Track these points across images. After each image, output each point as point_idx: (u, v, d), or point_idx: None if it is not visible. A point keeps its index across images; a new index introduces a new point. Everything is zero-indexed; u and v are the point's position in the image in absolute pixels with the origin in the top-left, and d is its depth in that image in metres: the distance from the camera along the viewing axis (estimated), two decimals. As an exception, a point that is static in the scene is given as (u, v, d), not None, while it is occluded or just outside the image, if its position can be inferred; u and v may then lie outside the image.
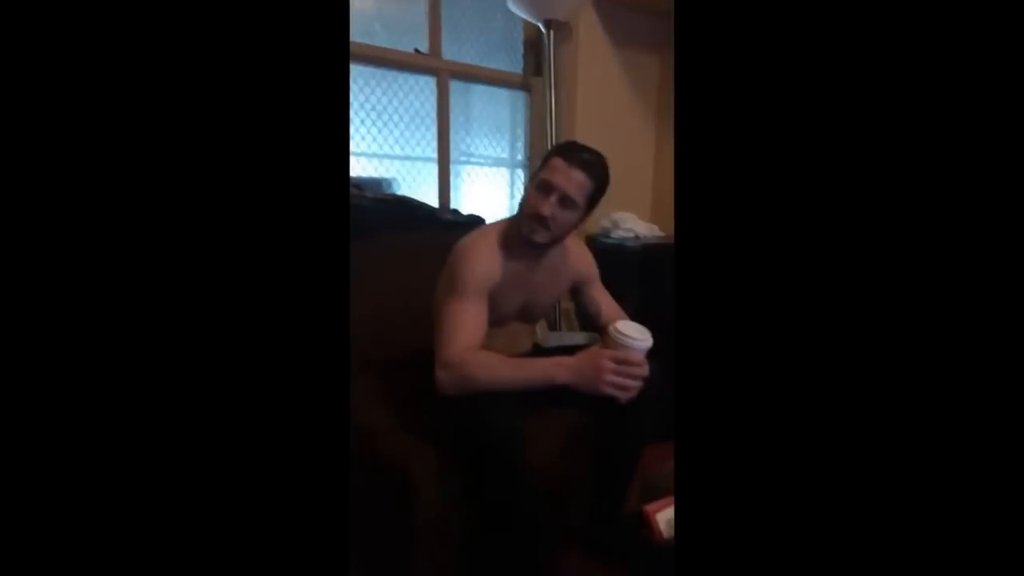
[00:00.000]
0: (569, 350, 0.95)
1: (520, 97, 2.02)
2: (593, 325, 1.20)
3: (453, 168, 1.87)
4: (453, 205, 1.86)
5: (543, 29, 1.80)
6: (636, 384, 0.90)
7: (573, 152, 0.98)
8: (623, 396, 0.89)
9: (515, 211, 1.04)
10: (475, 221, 1.60)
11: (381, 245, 1.37)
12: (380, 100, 1.70)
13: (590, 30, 1.93)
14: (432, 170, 1.84)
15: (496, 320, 1.04)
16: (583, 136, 1.83)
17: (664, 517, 0.85)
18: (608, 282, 1.22)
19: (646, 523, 0.86)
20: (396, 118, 1.74)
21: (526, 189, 1.01)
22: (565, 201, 0.96)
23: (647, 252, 1.73)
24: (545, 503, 1.03)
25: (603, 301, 1.18)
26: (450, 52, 1.80)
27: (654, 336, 0.92)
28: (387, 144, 1.73)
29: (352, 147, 1.65)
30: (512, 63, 1.98)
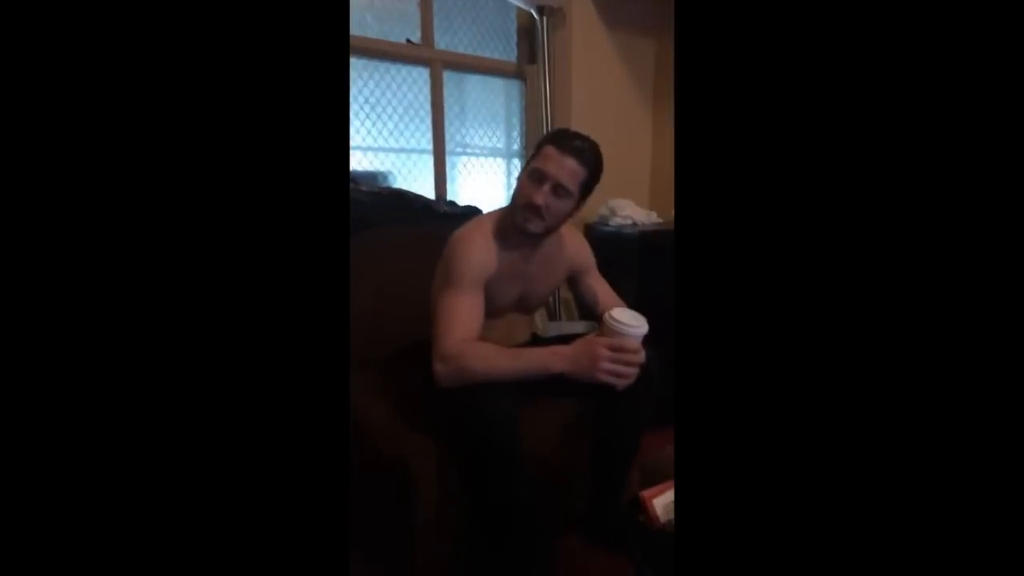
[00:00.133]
0: (567, 340, 0.95)
1: (515, 86, 2.01)
2: (591, 314, 1.20)
3: (449, 159, 1.86)
4: (450, 197, 1.85)
5: (536, 16, 1.78)
6: (632, 371, 0.90)
7: (565, 140, 0.97)
8: (619, 383, 0.90)
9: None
10: (472, 212, 1.60)
11: (378, 239, 1.37)
12: (373, 92, 1.68)
13: (584, 15, 1.91)
14: (428, 162, 1.83)
15: (493, 311, 1.04)
16: (579, 123, 1.82)
17: (661, 502, 0.86)
18: (606, 271, 1.22)
19: (643, 509, 0.86)
20: (390, 110, 1.73)
21: (519, 179, 1.00)
22: (558, 189, 0.96)
23: (645, 239, 1.72)
24: (544, 492, 1.04)
25: (600, 290, 1.17)
26: (443, 42, 1.78)
27: (653, 324, 0.92)
28: (381, 137, 1.72)
29: (347, 141, 1.65)
30: (506, 51, 1.96)
